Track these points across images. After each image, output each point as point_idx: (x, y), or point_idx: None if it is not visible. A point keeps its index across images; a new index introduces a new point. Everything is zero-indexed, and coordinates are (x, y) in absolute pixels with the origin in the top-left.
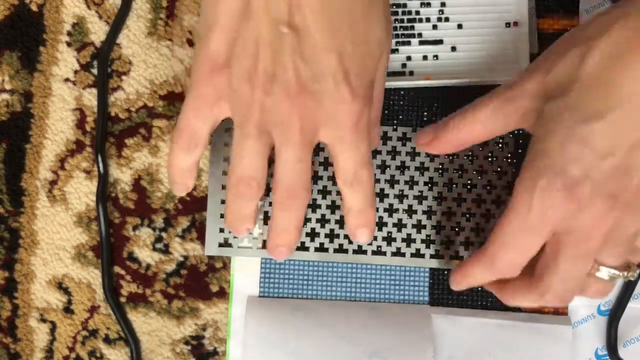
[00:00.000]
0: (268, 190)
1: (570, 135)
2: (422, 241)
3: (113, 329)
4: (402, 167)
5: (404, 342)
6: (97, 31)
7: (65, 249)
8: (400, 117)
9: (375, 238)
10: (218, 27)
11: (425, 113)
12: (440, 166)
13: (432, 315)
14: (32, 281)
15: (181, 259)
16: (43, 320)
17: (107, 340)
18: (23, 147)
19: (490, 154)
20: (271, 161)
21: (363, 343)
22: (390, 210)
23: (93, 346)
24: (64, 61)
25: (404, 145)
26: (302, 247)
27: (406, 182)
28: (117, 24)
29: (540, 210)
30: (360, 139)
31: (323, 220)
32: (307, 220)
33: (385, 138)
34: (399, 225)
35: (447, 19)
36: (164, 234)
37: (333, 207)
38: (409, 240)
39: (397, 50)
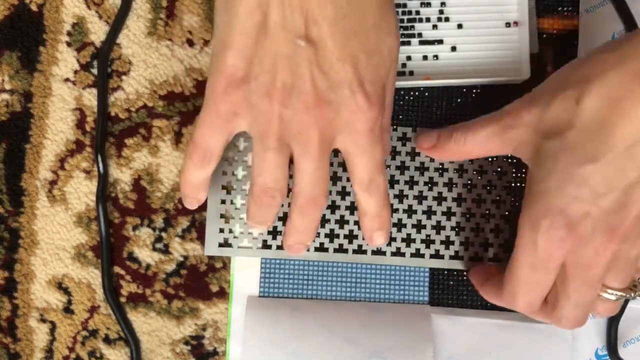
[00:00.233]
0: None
1: (568, 177)
2: (422, 241)
3: (113, 329)
4: (402, 167)
5: (404, 342)
6: (97, 31)
7: (65, 249)
8: (400, 117)
9: None
10: (234, 45)
11: (425, 113)
12: (440, 166)
13: (432, 315)
14: (32, 281)
15: (181, 259)
16: (43, 320)
17: (107, 340)
18: (23, 147)
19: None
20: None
21: (363, 343)
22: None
23: (93, 346)
24: (64, 61)
25: (404, 145)
26: None
27: (406, 182)
28: (117, 24)
29: (547, 247)
30: (375, 144)
31: (323, 220)
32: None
33: None
34: (399, 225)
35: (447, 19)
36: (163, 234)
37: (333, 207)
38: (409, 240)
39: None
